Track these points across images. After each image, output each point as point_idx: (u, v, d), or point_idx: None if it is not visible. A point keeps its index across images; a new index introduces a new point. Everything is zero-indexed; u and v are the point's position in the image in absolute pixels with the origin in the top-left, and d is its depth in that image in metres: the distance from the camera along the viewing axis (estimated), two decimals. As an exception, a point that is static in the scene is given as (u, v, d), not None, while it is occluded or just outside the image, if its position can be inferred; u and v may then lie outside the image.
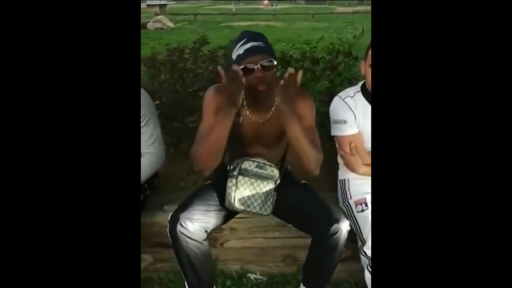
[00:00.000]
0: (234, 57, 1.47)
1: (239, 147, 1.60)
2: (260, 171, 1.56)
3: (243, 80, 1.36)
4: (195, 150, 1.46)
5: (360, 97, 1.69)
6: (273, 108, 1.56)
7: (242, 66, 1.41)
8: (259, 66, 1.42)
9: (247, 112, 1.56)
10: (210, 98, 1.54)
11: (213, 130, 1.42)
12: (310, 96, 1.63)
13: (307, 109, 1.56)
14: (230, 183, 1.54)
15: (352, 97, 1.69)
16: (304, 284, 1.61)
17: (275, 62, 1.46)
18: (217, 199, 1.57)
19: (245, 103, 1.55)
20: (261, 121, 1.56)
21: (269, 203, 1.57)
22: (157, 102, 2.56)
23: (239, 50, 1.45)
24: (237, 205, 1.53)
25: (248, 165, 1.55)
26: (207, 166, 1.47)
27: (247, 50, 1.43)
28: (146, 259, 1.94)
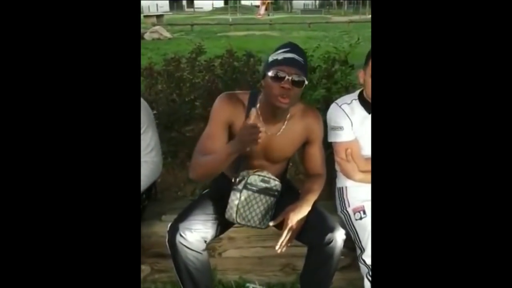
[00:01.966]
0: (270, 59, 1.44)
1: (244, 159, 1.57)
2: (264, 185, 1.54)
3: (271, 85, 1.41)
4: (194, 161, 1.47)
5: (357, 104, 1.70)
6: (285, 124, 1.55)
7: (274, 71, 1.39)
8: (290, 78, 1.39)
9: (261, 123, 1.50)
10: (220, 107, 1.52)
11: (216, 154, 1.41)
12: (318, 115, 1.62)
13: (317, 132, 1.60)
14: (234, 196, 1.52)
15: (349, 104, 1.70)
16: (302, 294, 1.60)
17: (306, 82, 1.43)
18: (216, 208, 1.57)
19: (260, 116, 1.52)
20: (273, 134, 1.54)
21: (268, 216, 1.57)
22: (154, 111, 2.56)
23: (278, 55, 1.42)
24: (238, 219, 1.53)
25: (254, 179, 1.53)
26: (201, 179, 1.57)
27: (285, 59, 1.41)
28: (144, 269, 1.92)
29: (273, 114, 1.50)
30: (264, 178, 1.55)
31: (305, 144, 1.61)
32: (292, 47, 1.45)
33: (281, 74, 1.39)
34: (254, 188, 1.53)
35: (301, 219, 1.47)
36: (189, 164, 1.51)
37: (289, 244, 1.46)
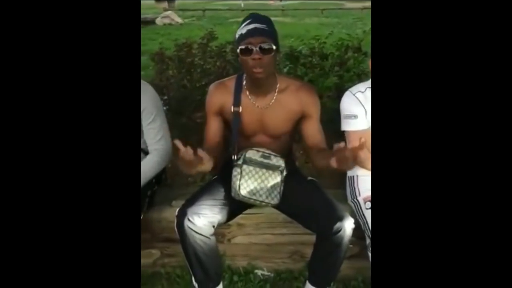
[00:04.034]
0: (236, 35, 1.48)
1: (242, 137, 1.60)
2: (265, 161, 1.55)
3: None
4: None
5: (371, 92, 1.68)
6: (275, 95, 1.57)
7: (242, 46, 1.43)
8: (257, 48, 1.41)
9: (250, 98, 1.57)
10: (209, 98, 1.61)
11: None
12: (314, 91, 1.64)
13: (313, 107, 1.59)
14: (235, 172, 1.54)
15: (363, 92, 1.68)
16: (309, 282, 1.60)
17: (275, 47, 1.45)
18: (224, 193, 1.57)
19: (247, 90, 1.57)
20: (264, 107, 1.57)
21: (275, 192, 1.56)
22: (165, 97, 2.56)
23: (242, 29, 1.46)
24: (242, 193, 1.53)
25: (252, 154, 1.55)
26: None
27: (249, 31, 1.44)
28: (154, 254, 1.95)
29: (257, 86, 1.55)
30: (263, 154, 1.56)
31: (303, 119, 1.60)
32: (253, 17, 1.49)
33: (249, 46, 1.43)
34: (254, 162, 1.55)
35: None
36: None
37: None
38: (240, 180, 1.53)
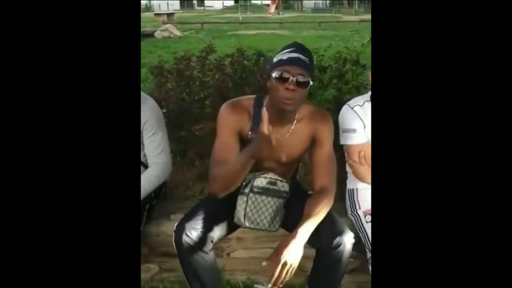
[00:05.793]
0: (275, 59, 1.42)
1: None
2: (271, 187, 1.51)
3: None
4: (212, 174, 1.42)
5: (369, 106, 1.68)
6: (292, 126, 1.52)
7: (277, 73, 1.37)
8: (295, 79, 1.36)
9: (269, 127, 1.46)
10: (227, 116, 1.49)
11: (232, 164, 1.38)
12: (330, 119, 1.57)
13: (327, 135, 1.53)
14: (241, 200, 1.51)
15: (361, 105, 1.68)
16: (310, 297, 1.57)
17: (311, 83, 1.40)
18: (223, 208, 1.55)
19: (268, 118, 1.45)
20: (281, 137, 1.50)
21: (277, 219, 1.54)
22: (164, 110, 2.56)
23: (283, 55, 1.39)
24: (247, 223, 1.50)
25: (259, 182, 1.50)
26: (222, 192, 1.42)
27: (290, 59, 1.37)
28: (152, 268, 1.92)
29: (280, 116, 1.47)
30: (270, 180, 1.52)
31: (312, 146, 1.55)
32: (297, 46, 1.42)
33: (285, 75, 1.36)
34: (261, 190, 1.50)
35: (297, 254, 1.35)
36: (209, 177, 1.44)
37: (285, 281, 1.33)
38: (245, 209, 1.49)
